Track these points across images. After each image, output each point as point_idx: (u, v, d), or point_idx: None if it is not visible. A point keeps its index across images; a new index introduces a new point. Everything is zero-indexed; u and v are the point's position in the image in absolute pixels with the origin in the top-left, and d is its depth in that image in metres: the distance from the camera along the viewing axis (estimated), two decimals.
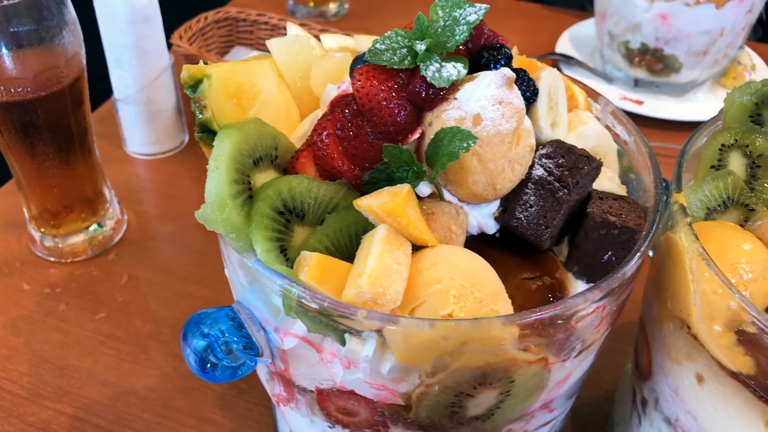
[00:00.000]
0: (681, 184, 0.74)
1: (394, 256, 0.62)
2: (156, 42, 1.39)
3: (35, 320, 1.18)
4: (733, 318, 0.65)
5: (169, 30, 1.58)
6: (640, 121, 1.61)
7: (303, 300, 0.62)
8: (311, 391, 0.73)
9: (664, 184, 0.76)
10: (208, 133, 0.66)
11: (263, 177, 0.67)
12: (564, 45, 1.83)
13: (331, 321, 0.63)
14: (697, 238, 0.67)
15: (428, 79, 0.66)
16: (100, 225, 1.30)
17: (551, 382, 0.71)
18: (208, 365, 0.71)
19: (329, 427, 0.76)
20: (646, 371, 0.82)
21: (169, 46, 1.56)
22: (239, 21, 1.71)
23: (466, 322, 0.61)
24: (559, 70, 1.70)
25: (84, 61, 1.14)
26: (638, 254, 0.66)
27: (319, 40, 0.84)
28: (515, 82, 0.72)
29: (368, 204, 0.63)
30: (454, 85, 0.69)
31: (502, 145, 0.68)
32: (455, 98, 0.68)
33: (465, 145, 0.64)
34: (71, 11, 1.09)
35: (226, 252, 0.72)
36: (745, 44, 1.76)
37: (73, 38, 1.10)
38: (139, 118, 1.46)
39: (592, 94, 0.86)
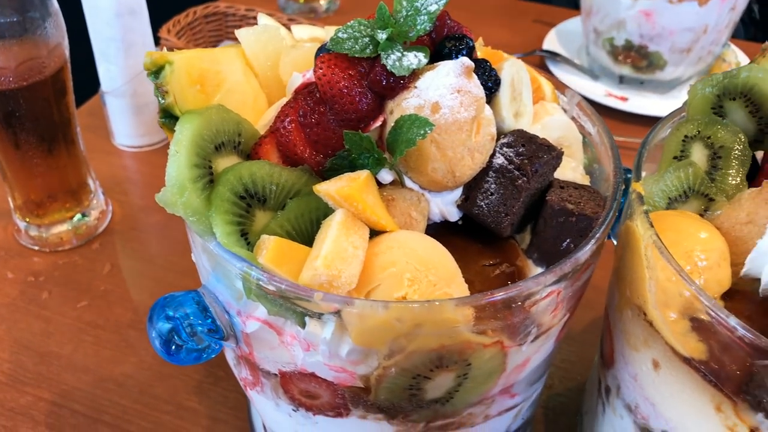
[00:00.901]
0: (640, 173, 0.75)
1: (350, 239, 0.63)
2: (142, 35, 1.41)
3: (18, 308, 1.20)
4: (686, 305, 0.66)
5: (159, 24, 1.59)
6: (625, 117, 1.62)
7: (261, 283, 0.63)
8: (275, 375, 0.75)
9: (626, 174, 0.77)
10: (171, 118, 0.67)
11: (225, 162, 0.68)
12: (552, 42, 1.84)
13: (289, 304, 0.65)
14: (652, 226, 0.69)
15: (388, 67, 0.68)
16: (84, 215, 1.31)
17: (510, 366, 0.72)
18: (173, 347, 0.73)
19: (293, 410, 0.77)
20: (609, 359, 0.83)
21: (158, 40, 1.58)
22: (228, 16, 1.73)
23: (419, 304, 0.62)
24: (546, 66, 1.72)
25: (67, 53, 1.16)
26: (592, 241, 0.68)
27: (290, 30, 0.85)
28: (477, 72, 0.73)
29: (326, 189, 0.65)
30: (415, 74, 0.70)
31: (461, 132, 0.69)
32: (415, 87, 0.69)
33: (422, 132, 0.65)
34: (54, 3, 1.11)
35: (190, 236, 0.73)
36: (731, 42, 1.78)
37: (56, 29, 1.11)
38: (126, 111, 1.48)
39: (559, 86, 0.88)
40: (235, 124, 0.69)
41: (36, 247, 1.30)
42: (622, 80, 1.68)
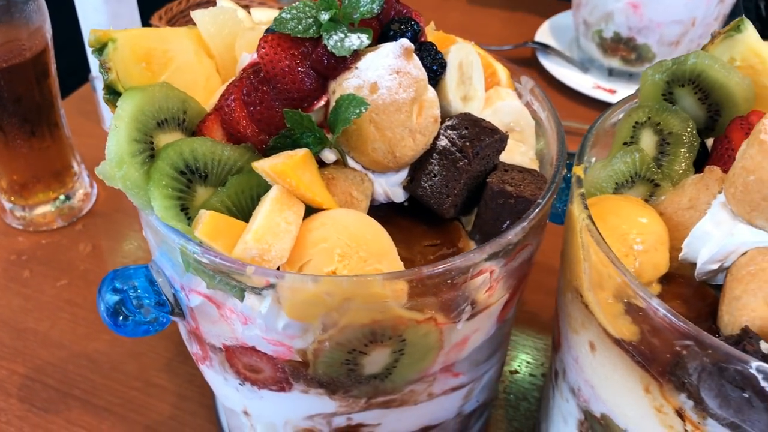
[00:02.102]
0: (583, 157, 0.76)
1: (284, 215, 0.65)
2: (130, 22, 1.43)
3: None
4: (617, 287, 0.67)
5: (151, 11, 1.62)
6: None
7: (197, 256, 0.65)
8: (220, 349, 0.76)
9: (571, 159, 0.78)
10: (115, 94, 0.69)
11: (168, 138, 0.70)
12: (544, 34, 1.84)
13: (226, 278, 0.66)
14: (586, 208, 0.69)
15: (329, 48, 0.69)
16: (67, 197, 1.34)
17: (447, 344, 0.73)
18: (120, 318, 0.75)
19: (240, 384, 0.79)
20: (557, 343, 0.84)
21: (149, 27, 1.60)
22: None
23: (348, 278, 0.63)
24: (536, 58, 1.72)
25: (49, 36, 1.18)
26: (525, 222, 0.68)
27: (249, 13, 0.86)
28: (422, 56, 0.75)
29: (262, 165, 0.66)
30: (358, 55, 0.71)
31: (400, 113, 0.70)
32: (356, 67, 0.70)
33: (357, 111, 0.67)
34: None
35: (140, 212, 0.75)
36: None
37: (37, 12, 1.14)
38: None
39: (515, 73, 0.88)
40: (180, 102, 0.71)
41: (21, 227, 1.33)
42: (611, 73, 1.68)
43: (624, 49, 1.62)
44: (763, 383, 0.57)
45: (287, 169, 0.65)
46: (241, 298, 0.68)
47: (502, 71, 0.87)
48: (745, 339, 0.60)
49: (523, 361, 1.11)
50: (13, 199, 1.31)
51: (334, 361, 0.70)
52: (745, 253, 0.67)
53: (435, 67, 0.75)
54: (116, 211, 1.39)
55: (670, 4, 1.49)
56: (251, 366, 0.75)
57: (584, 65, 1.72)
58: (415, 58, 0.71)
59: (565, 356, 0.81)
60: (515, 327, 1.03)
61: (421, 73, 0.71)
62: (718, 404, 0.61)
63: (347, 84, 0.70)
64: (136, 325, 0.76)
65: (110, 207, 1.39)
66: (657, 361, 0.65)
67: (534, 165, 0.82)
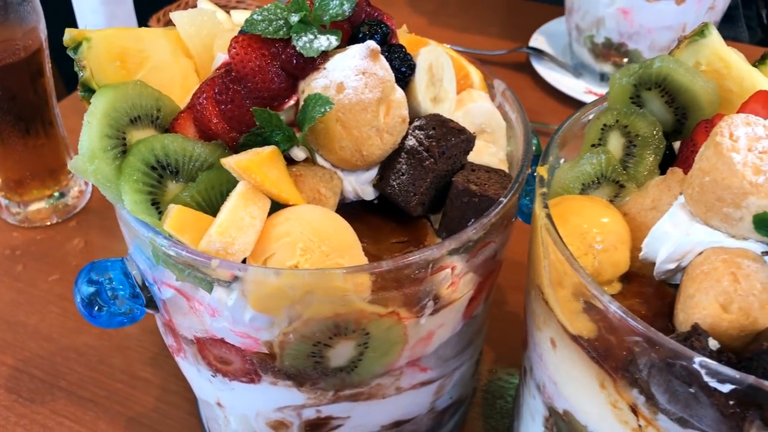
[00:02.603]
0: (548, 158, 0.78)
1: (248, 210, 0.67)
2: (126, 23, 1.46)
3: None
4: (574, 286, 0.68)
5: (150, 14, 1.65)
6: None
7: (164, 248, 0.67)
8: (192, 341, 0.78)
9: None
10: (90, 92, 0.71)
11: (141, 135, 0.72)
12: (540, 39, 1.85)
13: (194, 271, 0.68)
14: (546, 207, 0.71)
15: (298, 48, 0.71)
16: (62, 194, 1.37)
17: (412, 339, 0.75)
18: (95, 308, 0.77)
19: (212, 376, 0.81)
20: (525, 340, 0.86)
21: None
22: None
23: (309, 271, 0.65)
24: (530, 63, 1.73)
25: (43, 35, 1.21)
26: (485, 219, 0.70)
27: (229, 14, 0.89)
28: (391, 57, 0.77)
29: (228, 161, 0.68)
30: (327, 56, 0.73)
31: (366, 113, 0.72)
32: (324, 68, 0.72)
33: (323, 110, 0.69)
34: None
35: (115, 206, 0.77)
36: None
37: (32, 12, 1.17)
38: None
39: (488, 76, 0.90)
40: (154, 100, 0.73)
41: (16, 223, 1.36)
42: (603, 78, 1.69)
43: (615, 55, 1.63)
44: (706, 378, 0.58)
45: (252, 165, 0.67)
46: (210, 290, 0.70)
47: (475, 74, 0.89)
48: (693, 336, 0.62)
49: (500, 359, 1.13)
50: (8, 195, 1.34)
51: (300, 354, 0.72)
52: (701, 253, 0.69)
53: (404, 68, 0.77)
54: (109, 209, 1.39)
55: (660, 10, 1.51)
56: (221, 358, 0.77)
57: (577, 70, 1.73)
58: (382, 60, 0.73)
59: (532, 353, 0.82)
60: (492, 325, 1.04)
61: (388, 74, 0.73)
62: (667, 399, 0.63)
63: (315, 84, 0.72)
64: (110, 316, 0.78)
65: (104, 204, 1.42)
66: (611, 357, 0.66)
67: (503, 166, 0.84)
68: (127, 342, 1.16)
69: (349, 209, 0.80)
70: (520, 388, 0.92)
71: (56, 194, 1.36)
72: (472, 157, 0.81)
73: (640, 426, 0.67)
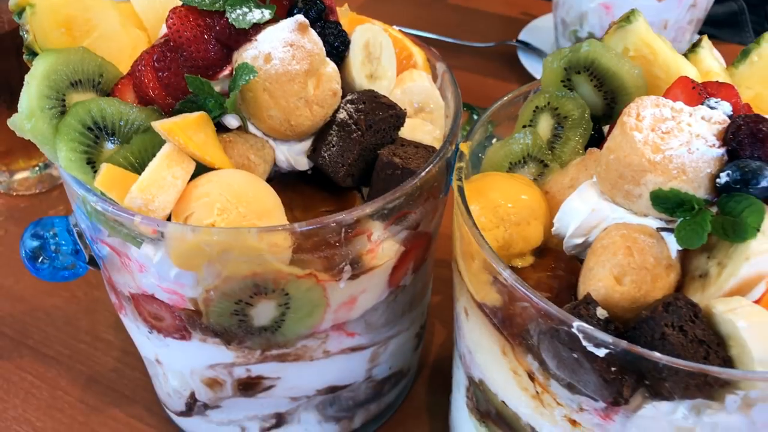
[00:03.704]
0: (471, 134, 0.80)
1: (172, 170, 0.71)
2: None
3: None
4: (476, 254, 0.71)
5: None
6: None
7: (92, 203, 0.71)
8: (129, 298, 0.83)
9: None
10: (35, 55, 0.76)
11: (81, 98, 0.76)
12: (530, 33, 1.87)
13: (120, 226, 0.72)
14: (460, 180, 0.74)
15: (230, 20, 0.75)
16: (46, 165, 1.42)
17: (333, 302, 0.78)
18: (39, 261, 0.81)
19: (149, 332, 0.85)
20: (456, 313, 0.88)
21: None
22: None
23: (223, 230, 0.69)
24: (517, 56, 1.75)
25: None
26: (398, 189, 0.73)
27: None
28: (325, 33, 0.80)
29: (155, 123, 0.72)
30: (259, 29, 0.77)
31: (293, 83, 0.75)
32: (256, 39, 0.76)
33: (246, 78, 0.72)
34: None
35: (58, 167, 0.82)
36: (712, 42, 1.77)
37: None
38: None
39: (432, 57, 0.93)
40: (97, 66, 0.77)
41: (2, 191, 1.41)
42: None
43: None
44: (584, 343, 0.61)
45: (175, 127, 0.70)
46: (139, 246, 0.74)
47: (418, 55, 0.92)
48: (582, 305, 0.64)
49: (450, 334, 1.16)
50: None
51: (224, 311, 0.76)
52: (605, 229, 0.71)
53: (337, 43, 0.80)
54: None
55: (641, 6, 1.50)
56: (154, 314, 0.81)
57: None
58: (312, 33, 0.76)
59: (456, 323, 0.85)
60: (447, 303, 1.07)
61: (316, 48, 0.76)
62: (556, 365, 0.65)
63: (246, 54, 0.76)
64: (54, 270, 0.82)
65: None
66: (510, 324, 0.69)
67: (438, 143, 0.86)
68: (95, 306, 1.21)
69: (285, 179, 0.83)
70: (453, 359, 0.95)
71: (41, 165, 1.42)
72: (407, 133, 0.84)
73: (537, 392, 0.70)
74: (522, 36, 1.86)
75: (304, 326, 0.79)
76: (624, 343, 0.59)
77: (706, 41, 0.86)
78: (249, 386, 0.87)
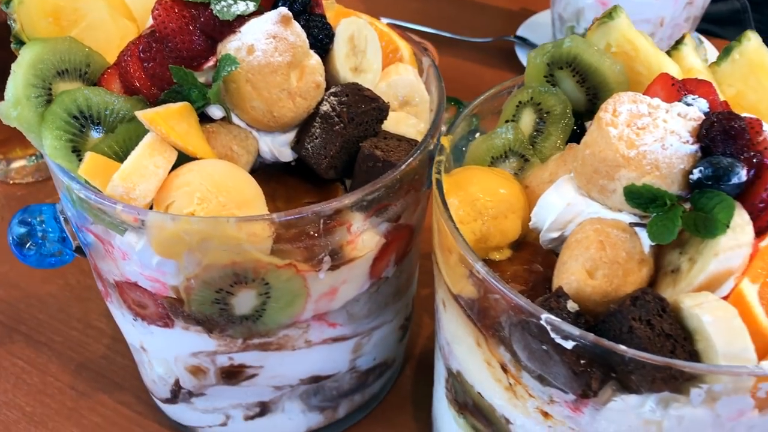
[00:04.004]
0: (453, 128, 0.81)
1: (153, 159, 0.72)
2: None
3: None
4: (452, 247, 0.71)
5: None
6: None
7: (76, 191, 0.73)
8: (114, 285, 0.84)
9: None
10: (22, 44, 0.77)
11: (68, 87, 0.77)
12: (528, 29, 1.87)
13: (102, 214, 0.74)
14: (439, 173, 0.75)
15: (215, 12, 0.76)
16: (42, 154, 1.43)
17: (314, 293, 0.79)
18: (26, 248, 0.83)
19: (134, 319, 0.86)
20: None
21: None
22: None
23: (202, 219, 0.70)
24: (514, 52, 1.75)
25: None
26: (378, 182, 0.74)
27: None
28: (309, 26, 0.81)
29: (139, 113, 0.73)
30: (243, 21, 0.78)
31: (275, 75, 0.76)
32: (240, 31, 0.77)
33: (228, 69, 0.73)
34: None
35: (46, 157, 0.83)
36: (713, 40, 1.77)
37: None
38: None
39: (419, 52, 0.93)
40: (84, 56, 0.78)
41: (0, 178, 1.43)
42: None
43: None
44: (553, 335, 0.61)
45: (158, 117, 0.71)
46: (122, 234, 0.75)
47: (405, 49, 0.92)
48: (553, 298, 0.65)
49: (434, 328, 1.16)
50: None
51: (205, 300, 0.77)
52: (580, 223, 0.72)
53: (321, 36, 0.81)
54: None
55: (638, 2, 1.52)
56: (138, 302, 0.82)
57: None
58: (295, 25, 0.77)
59: (437, 316, 0.86)
60: (433, 293, 1.07)
61: (299, 40, 0.77)
62: (527, 357, 0.66)
63: (229, 46, 0.77)
64: (40, 257, 0.84)
65: None
66: (483, 316, 0.70)
67: (421, 137, 0.87)
68: (88, 294, 1.22)
69: (269, 170, 0.84)
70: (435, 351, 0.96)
71: (38, 154, 1.43)
72: (391, 126, 0.85)
73: (510, 384, 0.71)
74: (520, 32, 1.86)
75: (285, 316, 0.81)
76: (591, 336, 0.60)
77: (689, 39, 0.87)
78: (232, 374, 0.88)
